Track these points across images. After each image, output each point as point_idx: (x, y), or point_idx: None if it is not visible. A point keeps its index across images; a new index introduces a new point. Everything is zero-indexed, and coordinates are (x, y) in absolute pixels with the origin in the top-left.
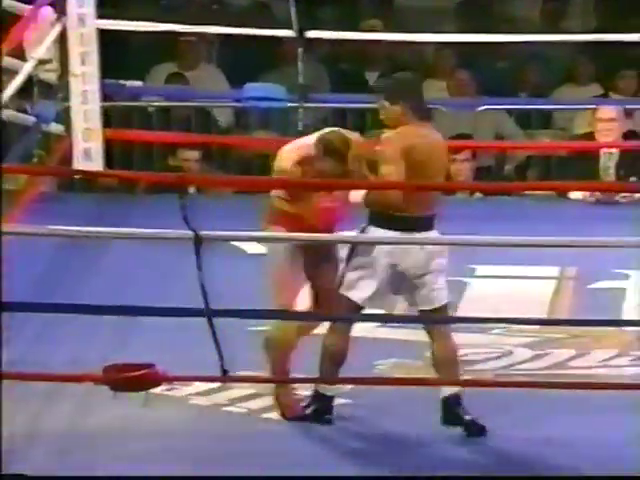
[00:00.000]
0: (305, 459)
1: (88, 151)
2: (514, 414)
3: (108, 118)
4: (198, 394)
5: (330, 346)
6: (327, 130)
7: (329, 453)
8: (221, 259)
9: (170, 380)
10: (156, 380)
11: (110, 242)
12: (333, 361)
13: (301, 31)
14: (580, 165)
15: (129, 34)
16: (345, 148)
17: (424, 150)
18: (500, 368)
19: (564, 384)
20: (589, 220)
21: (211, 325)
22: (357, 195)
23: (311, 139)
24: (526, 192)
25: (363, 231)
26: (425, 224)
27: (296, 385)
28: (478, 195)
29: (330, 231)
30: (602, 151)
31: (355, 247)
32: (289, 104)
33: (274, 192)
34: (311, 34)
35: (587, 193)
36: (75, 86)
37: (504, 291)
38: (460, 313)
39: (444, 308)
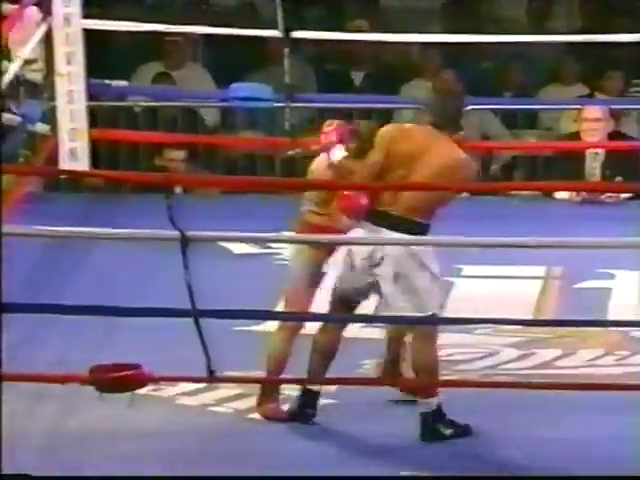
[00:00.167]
0: (292, 459)
1: (74, 151)
2: (511, 414)
3: (94, 118)
4: (184, 394)
5: (321, 342)
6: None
7: (316, 453)
8: (207, 259)
9: (156, 380)
10: (142, 380)
11: (96, 242)
12: (323, 358)
13: (287, 31)
14: (566, 165)
15: (114, 34)
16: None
17: (412, 146)
18: (486, 368)
19: (565, 385)
20: (575, 220)
21: (197, 325)
22: None
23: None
24: (512, 192)
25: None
26: (392, 222)
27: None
28: (464, 195)
29: None
30: (588, 151)
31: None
32: (275, 104)
33: (305, 206)
34: (297, 34)
35: (573, 193)
36: (61, 86)
37: (490, 291)
38: (446, 313)
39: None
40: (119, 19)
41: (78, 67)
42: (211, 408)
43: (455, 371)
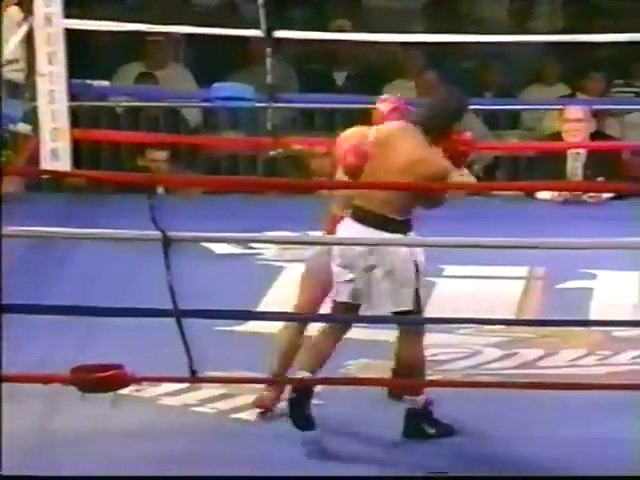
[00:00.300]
0: (275, 460)
1: (56, 151)
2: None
3: (76, 118)
4: (167, 395)
5: (317, 346)
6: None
7: (299, 453)
8: (189, 259)
9: (139, 381)
10: (125, 381)
11: (78, 243)
12: (317, 360)
13: (269, 31)
14: (548, 165)
15: (96, 34)
16: None
17: (381, 145)
18: (469, 368)
19: (560, 385)
20: (557, 220)
21: (180, 325)
22: None
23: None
24: (494, 192)
25: None
26: (371, 220)
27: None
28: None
29: None
30: (569, 151)
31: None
32: (257, 104)
33: (334, 198)
34: (279, 34)
35: (555, 193)
36: (42, 86)
37: (473, 291)
38: (428, 313)
39: (409, 313)
40: (100, 19)
41: (59, 67)
42: (194, 408)
43: (438, 371)
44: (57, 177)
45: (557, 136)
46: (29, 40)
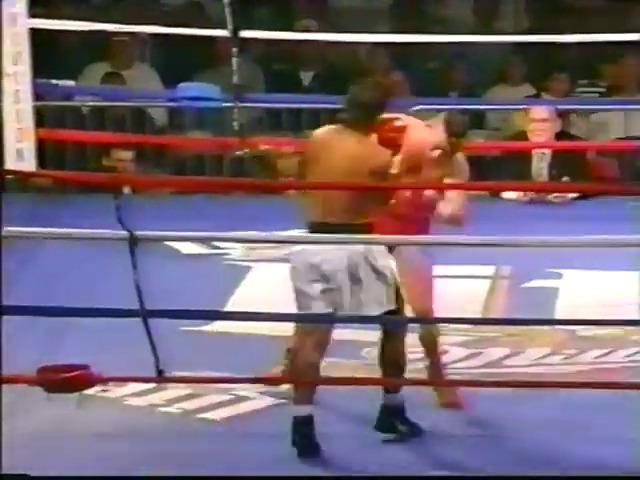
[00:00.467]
0: (242, 460)
1: (21, 151)
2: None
3: (41, 118)
4: (133, 395)
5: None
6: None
7: (266, 452)
8: (156, 259)
9: (105, 381)
10: (90, 381)
11: (43, 243)
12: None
13: (235, 31)
14: (513, 165)
15: (61, 34)
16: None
17: (321, 150)
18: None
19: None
20: (523, 220)
21: (146, 325)
22: None
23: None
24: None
25: None
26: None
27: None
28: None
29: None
30: (535, 151)
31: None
32: (224, 104)
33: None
34: (245, 34)
35: (521, 193)
36: (7, 86)
37: (439, 290)
38: None
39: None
40: (66, 18)
41: (24, 67)
42: (160, 408)
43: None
44: (22, 177)
45: (522, 135)
46: None
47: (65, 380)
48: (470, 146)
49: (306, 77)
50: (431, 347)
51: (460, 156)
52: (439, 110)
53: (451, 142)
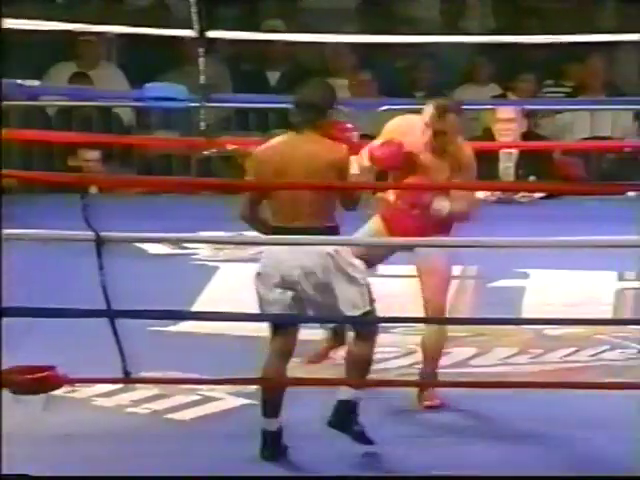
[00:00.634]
0: (210, 460)
1: None
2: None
3: (5, 118)
4: (100, 396)
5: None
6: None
7: (235, 453)
8: (123, 260)
9: (72, 382)
10: (57, 382)
11: (9, 243)
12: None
13: (202, 31)
14: (480, 165)
15: (26, 33)
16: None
17: (275, 159)
18: (404, 367)
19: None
20: (490, 219)
21: (113, 326)
22: None
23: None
24: None
25: None
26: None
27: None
28: (380, 195)
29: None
30: (501, 151)
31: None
32: (190, 104)
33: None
34: (212, 34)
35: (488, 192)
36: None
37: (406, 290)
38: None
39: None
40: (31, 18)
41: None
42: (127, 409)
43: (373, 370)
44: None
45: (488, 132)
46: None
47: (32, 381)
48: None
49: (273, 77)
50: (433, 351)
51: (467, 154)
52: (407, 110)
53: (444, 128)
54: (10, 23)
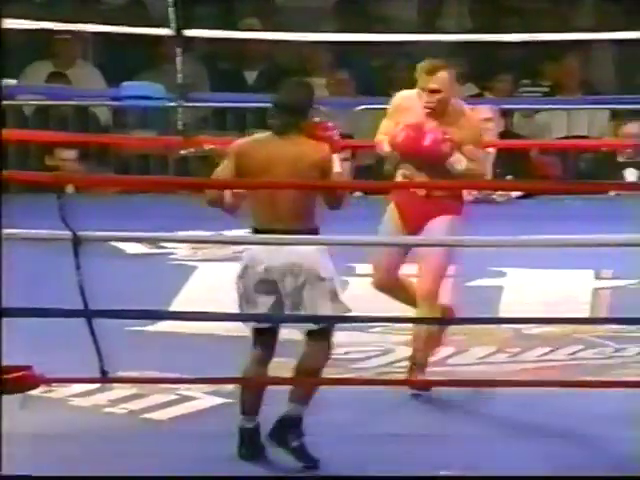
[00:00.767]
0: (186, 459)
1: None
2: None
3: None
4: (77, 395)
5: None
6: None
7: (213, 453)
8: (100, 259)
9: (48, 382)
10: (34, 382)
11: None
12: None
13: (179, 30)
14: None
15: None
16: None
17: (257, 160)
18: (382, 366)
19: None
20: (467, 218)
21: (90, 326)
22: None
23: None
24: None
25: None
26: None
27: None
28: (358, 194)
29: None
30: None
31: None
32: (168, 103)
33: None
34: (189, 33)
35: (465, 192)
36: None
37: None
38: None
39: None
40: (6, 16)
41: None
42: (105, 409)
43: (351, 369)
44: None
45: None
46: None
47: (8, 381)
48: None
49: (250, 76)
50: (428, 340)
51: (468, 114)
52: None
53: (437, 86)
54: None
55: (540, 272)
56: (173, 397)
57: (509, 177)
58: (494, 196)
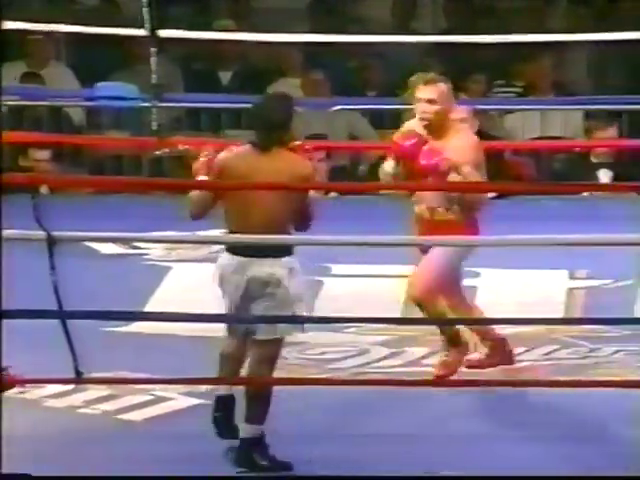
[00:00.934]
0: (161, 459)
1: None
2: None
3: None
4: (52, 396)
5: (226, 353)
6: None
7: (187, 453)
8: (75, 260)
9: (23, 383)
10: (8, 383)
11: None
12: (229, 368)
13: (153, 30)
14: None
15: None
16: None
17: (238, 173)
18: (358, 366)
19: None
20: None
21: (65, 326)
22: None
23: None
24: (380, 191)
25: None
26: (256, 250)
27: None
28: (333, 194)
29: None
30: None
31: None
32: (142, 104)
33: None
34: (163, 33)
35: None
36: None
37: (359, 290)
38: (316, 312)
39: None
40: None
41: None
42: (79, 410)
43: (327, 370)
44: None
45: None
46: None
47: None
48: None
49: (225, 77)
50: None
51: (461, 143)
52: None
53: (433, 96)
54: None
55: (514, 272)
56: (148, 398)
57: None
58: None
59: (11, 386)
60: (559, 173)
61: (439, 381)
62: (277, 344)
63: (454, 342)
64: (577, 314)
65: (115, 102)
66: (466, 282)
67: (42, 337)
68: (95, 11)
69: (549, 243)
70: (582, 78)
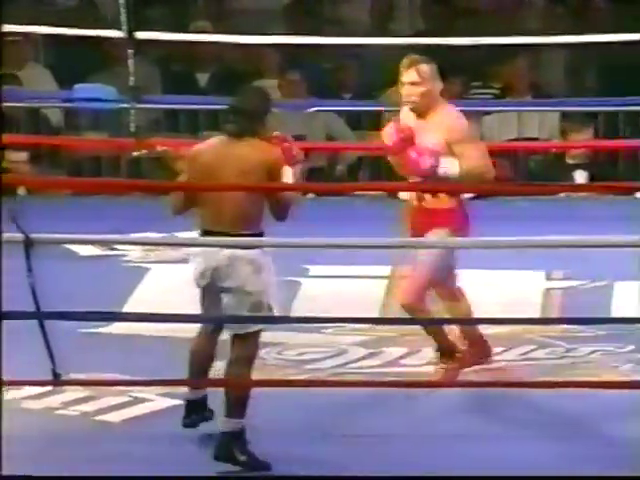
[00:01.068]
0: (140, 460)
1: None
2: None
3: None
4: (30, 398)
5: (195, 350)
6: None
7: (165, 454)
8: (53, 261)
9: None
10: None
11: None
12: (198, 365)
13: (131, 31)
14: None
15: None
16: None
17: (207, 162)
18: (336, 367)
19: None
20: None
21: (42, 328)
22: None
23: None
24: (357, 192)
25: None
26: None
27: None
28: (310, 195)
29: None
30: None
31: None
32: (120, 105)
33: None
34: (141, 35)
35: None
36: None
37: (337, 290)
38: (294, 313)
39: (251, 335)
40: None
41: None
42: (57, 411)
43: (305, 370)
44: None
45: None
46: None
47: None
48: (368, 146)
49: (202, 78)
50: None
51: (452, 116)
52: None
53: (416, 78)
54: None
55: (491, 273)
56: (126, 399)
57: None
58: None
59: None
60: (535, 174)
61: (418, 382)
62: (254, 337)
63: (451, 354)
64: (554, 314)
65: (93, 103)
66: None
67: (19, 339)
68: (73, 12)
69: (525, 245)
70: (559, 79)
